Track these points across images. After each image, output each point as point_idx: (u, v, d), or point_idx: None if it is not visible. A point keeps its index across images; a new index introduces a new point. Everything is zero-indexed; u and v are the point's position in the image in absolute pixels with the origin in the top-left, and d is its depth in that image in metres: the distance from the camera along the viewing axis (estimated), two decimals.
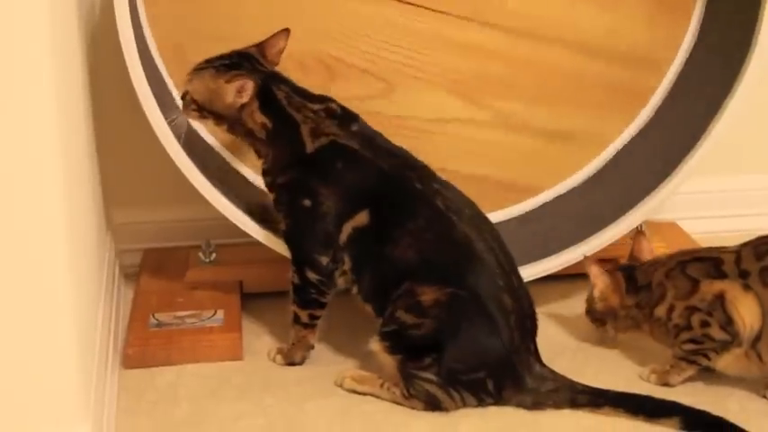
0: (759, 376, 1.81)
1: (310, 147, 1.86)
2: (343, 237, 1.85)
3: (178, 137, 1.91)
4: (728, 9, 2.08)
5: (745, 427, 1.67)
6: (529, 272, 2.00)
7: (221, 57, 1.90)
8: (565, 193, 2.22)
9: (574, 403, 1.77)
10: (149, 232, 2.32)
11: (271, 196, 1.91)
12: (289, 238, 1.90)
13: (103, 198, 2.12)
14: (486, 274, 1.78)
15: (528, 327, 1.81)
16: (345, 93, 2.02)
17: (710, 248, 1.89)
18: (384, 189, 1.84)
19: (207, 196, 1.95)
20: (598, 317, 1.96)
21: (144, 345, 1.94)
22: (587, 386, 1.79)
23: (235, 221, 1.97)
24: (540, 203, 2.23)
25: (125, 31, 1.82)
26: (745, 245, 1.84)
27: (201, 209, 1.99)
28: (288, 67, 1.95)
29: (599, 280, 1.93)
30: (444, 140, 2.17)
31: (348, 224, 1.84)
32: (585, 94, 2.19)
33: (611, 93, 2.19)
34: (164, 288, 2.13)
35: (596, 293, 1.94)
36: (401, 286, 1.78)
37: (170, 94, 2.05)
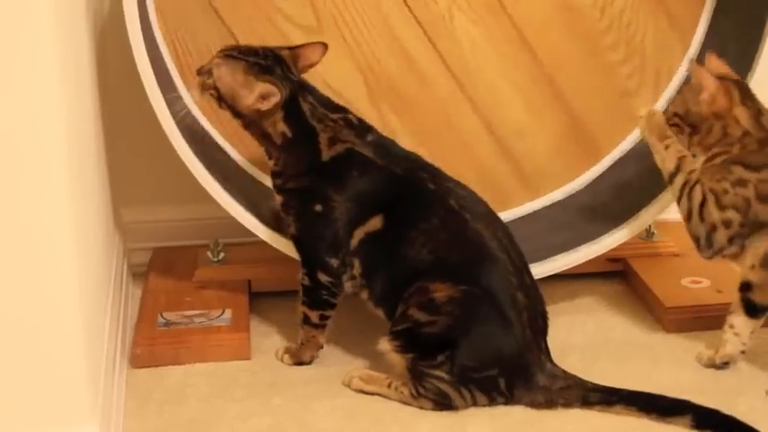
0: None
1: (326, 155, 1.85)
2: (355, 242, 1.84)
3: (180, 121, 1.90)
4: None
5: (755, 428, 1.66)
6: (538, 270, 2.00)
7: (255, 51, 1.85)
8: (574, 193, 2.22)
9: (585, 401, 1.77)
10: (158, 231, 2.32)
11: (278, 198, 1.90)
12: (299, 242, 1.89)
13: (112, 197, 2.12)
14: (500, 272, 1.78)
15: (540, 325, 1.81)
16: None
17: None
18: (398, 192, 1.84)
19: (215, 196, 1.95)
20: (683, 122, 1.90)
21: (152, 344, 1.94)
22: (598, 384, 1.78)
23: (242, 221, 1.96)
24: (552, 201, 2.23)
25: (134, 33, 1.82)
26: None
27: (210, 208, 1.99)
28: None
29: (710, 82, 1.85)
30: None
31: (360, 230, 1.84)
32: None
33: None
34: (172, 287, 2.13)
35: (704, 96, 1.86)
36: (414, 285, 1.78)
37: (178, 93, 2.05)
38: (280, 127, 1.85)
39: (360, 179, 1.85)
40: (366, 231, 1.84)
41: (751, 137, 1.85)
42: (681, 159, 1.89)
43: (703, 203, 1.85)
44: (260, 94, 1.82)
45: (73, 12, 1.68)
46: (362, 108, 2.10)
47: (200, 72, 1.88)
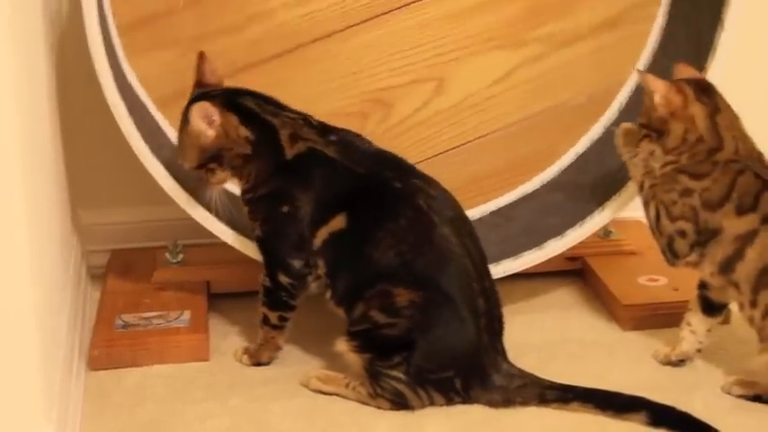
0: None
1: (289, 153, 1.86)
2: (318, 242, 1.85)
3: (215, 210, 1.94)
4: None
5: (710, 424, 1.68)
6: (505, 267, 2.01)
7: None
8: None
9: (542, 399, 1.78)
10: (116, 233, 2.31)
11: (246, 209, 1.90)
12: (263, 243, 1.89)
13: (70, 199, 2.11)
14: (462, 278, 1.79)
15: (496, 328, 1.82)
16: (408, 110, 2.10)
17: None
18: (361, 192, 1.84)
19: (174, 197, 1.94)
20: (654, 128, 1.88)
21: (110, 346, 1.93)
22: (555, 382, 1.80)
23: (201, 222, 1.96)
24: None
25: (93, 34, 1.81)
26: None
27: (169, 210, 1.99)
28: (348, 123, 1.95)
29: (658, 84, 1.85)
30: (516, 93, 2.16)
31: (323, 230, 1.84)
32: None
33: None
34: (130, 289, 2.12)
35: (657, 99, 1.85)
36: (376, 287, 1.79)
37: (137, 95, 2.04)
38: (242, 132, 1.85)
39: (321, 178, 1.85)
40: (329, 231, 1.84)
41: (703, 144, 1.84)
42: (644, 176, 1.91)
43: (658, 217, 1.87)
44: (203, 121, 1.83)
45: (27, 13, 1.67)
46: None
47: (200, 179, 1.90)
